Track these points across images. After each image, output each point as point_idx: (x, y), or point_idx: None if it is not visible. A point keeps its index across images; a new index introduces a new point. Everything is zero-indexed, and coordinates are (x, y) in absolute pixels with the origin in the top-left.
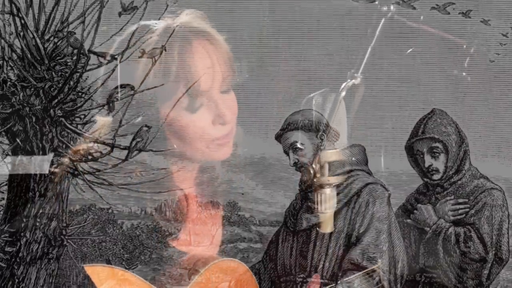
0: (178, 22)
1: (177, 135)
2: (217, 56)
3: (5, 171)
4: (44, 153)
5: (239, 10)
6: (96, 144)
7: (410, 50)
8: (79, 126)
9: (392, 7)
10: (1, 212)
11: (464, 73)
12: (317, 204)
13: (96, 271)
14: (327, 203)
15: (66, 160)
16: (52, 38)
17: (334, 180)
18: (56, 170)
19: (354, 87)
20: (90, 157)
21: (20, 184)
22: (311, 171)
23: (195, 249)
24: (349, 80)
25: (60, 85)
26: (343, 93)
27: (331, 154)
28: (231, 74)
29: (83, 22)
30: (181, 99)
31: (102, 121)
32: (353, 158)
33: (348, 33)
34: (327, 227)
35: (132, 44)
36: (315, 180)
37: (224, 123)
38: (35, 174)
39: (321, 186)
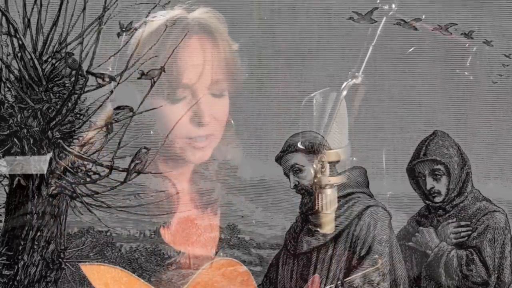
0: (191, 16)
1: (160, 122)
2: (214, 57)
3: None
4: (42, 175)
5: (239, 31)
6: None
7: (411, 49)
8: (77, 148)
9: (393, 6)
10: None
11: (466, 73)
12: (318, 204)
13: (92, 270)
14: (328, 203)
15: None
16: (50, 59)
17: (335, 180)
18: (54, 192)
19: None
20: (88, 178)
21: (18, 207)
22: (312, 172)
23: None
24: (350, 80)
25: (58, 106)
26: (344, 92)
27: (332, 154)
28: (227, 79)
29: (81, 43)
30: (164, 87)
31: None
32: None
33: (348, 54)
34: (327, 228)
35: (131, 65)
36: (315, 180)
37: (201, 124)
38: (33, 197)
39: (322, 187)
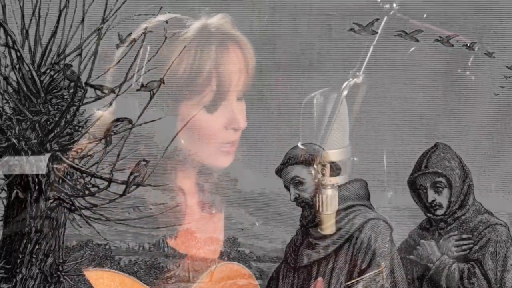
0: (211, 22)
1: (188, 131)
2: (244, 63)
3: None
4: (40, 187)
5: None
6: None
7: (412, 49)
8: (76, 160)
9: (394, 4)
10: None
11: (469, 76)
12: (319, 205)
13: (94, 276)
14: (328, 203)
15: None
16: (48, 71)
17: (336, 180)
18: (53, 205)
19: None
20: (87, 191)
21: (16, 220)
22: (313, 172)
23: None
24: (351, 79)
25: (57, 118)
26: (345, 92)
27: (333, 154)
28: (248, 82)
29: (80, 54)
30: (204, 96)
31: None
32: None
33: (350, 65)
34: (328, 229)
35: (130, 77)
36: (316, 181)
37: (237, 129)
38: (31, 209)
39: (323, 187)
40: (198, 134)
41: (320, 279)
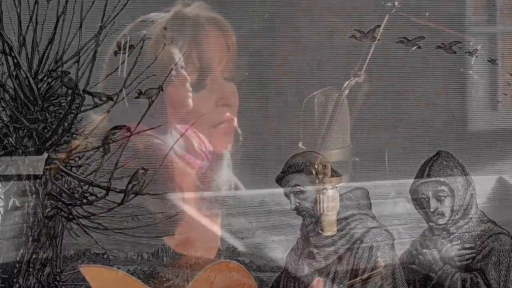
0: (188, 11)
1: (180, 117)
2: (225, 42)
3: None
4: (38, 196)
5: (240, 50)
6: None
7: (414, 48)
8: (74, 169)
9: (396, 3)
10: None
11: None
12: (320, 206)
13: (91, 272)
14: (329, 204)
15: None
16: (45, 78)
17: (337, 181)
18: (50, 213)
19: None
20: (85, 200)
21: (13, 229)
22: (313, 172)
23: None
24: (352, 78)
25: (54, 126)
26: (346, 92)
27: (334, 154)
28: (233, 61)
29: (77, 61)
30: (188, 76)
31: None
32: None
33: (350, 72)
34: (329, 230)
35: (129, 84)
36: (317, 181)
37: (228, 105)
38: (29, 218)
39: (324, 187)
40: (190, 118)
41: (319, 278)
